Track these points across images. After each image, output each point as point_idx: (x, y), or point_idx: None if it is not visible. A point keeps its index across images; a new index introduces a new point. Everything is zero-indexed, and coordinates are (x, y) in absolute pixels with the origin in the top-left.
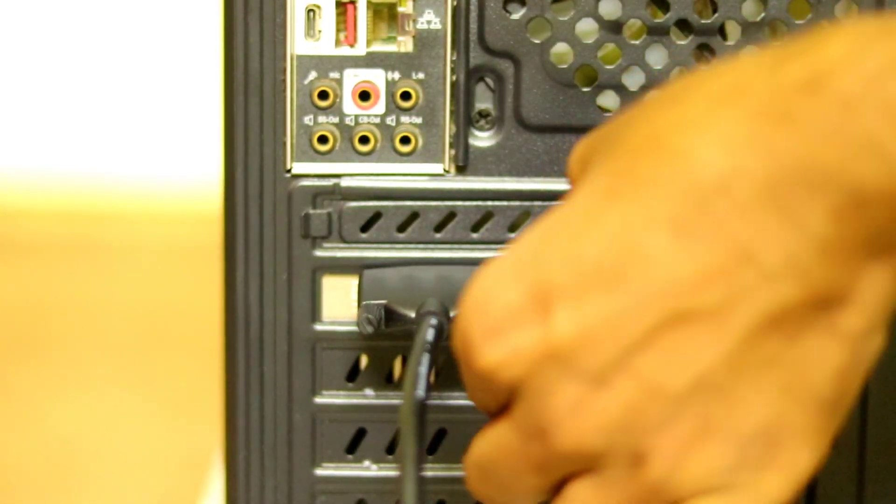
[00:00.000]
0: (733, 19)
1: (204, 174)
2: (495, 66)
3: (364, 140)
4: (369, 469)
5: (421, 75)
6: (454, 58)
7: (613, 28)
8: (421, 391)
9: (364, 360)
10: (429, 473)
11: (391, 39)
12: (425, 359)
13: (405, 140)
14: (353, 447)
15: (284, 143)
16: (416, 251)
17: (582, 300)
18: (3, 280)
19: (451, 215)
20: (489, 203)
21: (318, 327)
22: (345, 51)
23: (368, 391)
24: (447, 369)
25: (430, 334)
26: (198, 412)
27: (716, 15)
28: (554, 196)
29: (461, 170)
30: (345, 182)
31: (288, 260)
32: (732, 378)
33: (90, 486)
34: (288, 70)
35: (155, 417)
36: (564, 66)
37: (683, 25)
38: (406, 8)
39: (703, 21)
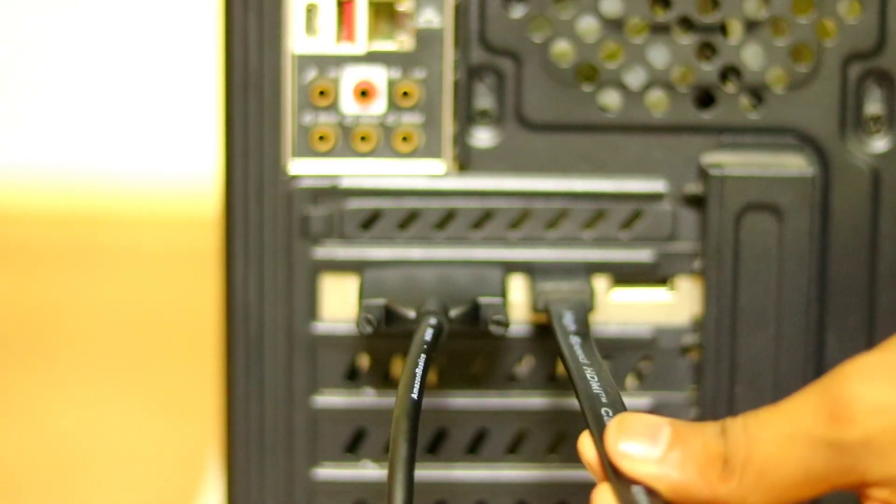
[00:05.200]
0: (735, 17)
1: (202, 175)
2: (496, 65)
3: (364, 139)
4: (369, 469)
5: (421, 74)
6: (455, 56)
7: (614, 26)
8: (415, 393)
9: (364, 360)
10: (429, 473)
11: (391, 38)
12: (422, 360)
13: (405, 139)
14: (353, 447)
15: (284, 143)
16: (416, 250)
17: None
18: (1, 282)
19: (451, 214)
20: (489, 202)
21: (318, 327)
22: (344, 49)
23: (368, 391)
24: (448, 369)
25: (428, 334)
26: (196, 413)
27: (718, 13)
28: (554, 195)
29: (462, 169)
30: (344, 181)
31: (288, 260)
32: None
33: (88, 486)
34: (287, 69)
35: (153, 418)
36: (565, 65)
37: (685, 23)
38: (406, 6)
39: (704, 19)
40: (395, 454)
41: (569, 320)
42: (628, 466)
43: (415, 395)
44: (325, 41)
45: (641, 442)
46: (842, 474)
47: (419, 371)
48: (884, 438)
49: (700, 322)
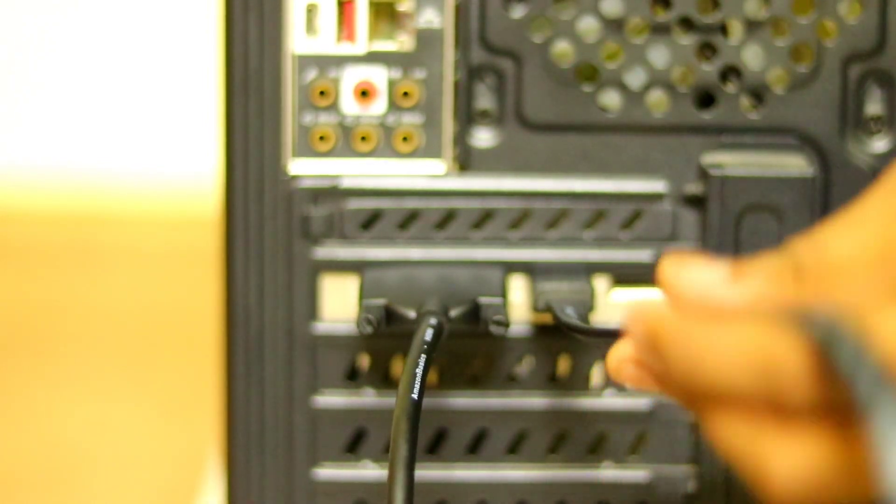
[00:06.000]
0: (736, 17)
1: (202, 175)
2: (496, 65)
3: (364, 139)
4: (369, 469)
5: (421, 74)
6: (455, 56)
7: (615, 26)
8: (415, 394)
9: (364, 360)
10: (429, 473)
11: (391, 38)
12: (422, 360)
13: (405, 139)
14: (353, 447)
15: (284, 143)
16: (416, 251)
17: None
18: (0, 282)
19: (451, 215)
20: (490, 202)
21: (318, 327)
22: (345, 49)
23: (368, 391)
24: (448, 369)
25: (428, 334)
26: (196, 413)
27: (718, 13)
28: (554, 195)
29: (462, 169)
30: (345, 181)
31: (288, 260)
32: None
33: (87, 486)
34: (287, 69)
35: (153, 418)
36: (565, 65)
37: (685, 23)
38: (406, 6)
39: (705, 19)
40: (395, 454)
41: (570, 311)
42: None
43: (415, 396)
44: (325, 41)
45: (701, 269)
46: None
47: (419, 371)
48: None
49: None
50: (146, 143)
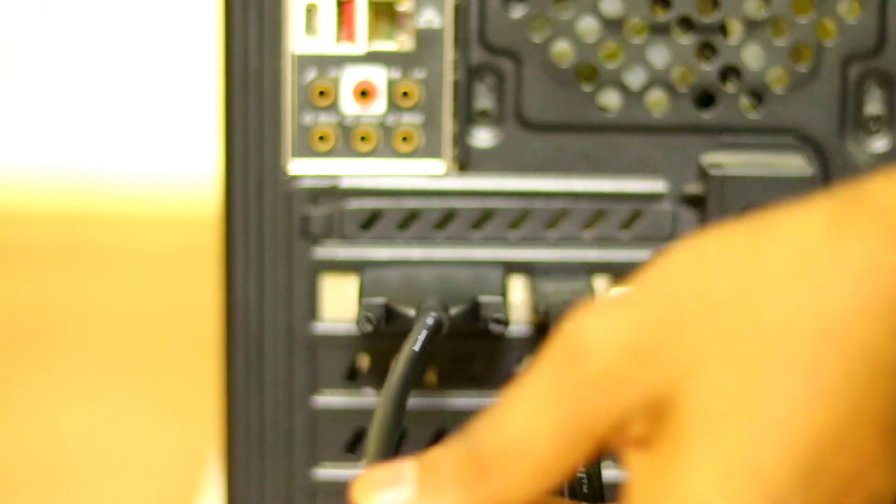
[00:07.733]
0: (735, 17)
1: (202, 176)
2: (496, 65)
3: (364, 139)
4: None
5: (421, 74)
6: (455, 56)
7: (614, 26)
8: (417, 347)
9: (364, 360)
10: None
11: (391, 38)
12: (420, 338)
13: (405, 139)
14: (353, 447)
15: (284, 143)
16: (416, 250)
17: None
18: (1, 283)
19: (451, 214)
20: (489, 202)
21: (318, 327)
22: (344, 49)
23: (368, 391)
24: (448, 369)
25: (430, 320)
26: (196, 413)
27: (718, 13)
28: (554, 195)
29: (461, 169)
30: (344, 181)
31: (288, 260)
32: None
33: (88, 486)
34: (287, 69)
35: (152, 418)
36: (565, 65)
37: (685, 23)
38: (406, 6)
39: (705, 19)
40: (389, 383)
41: None
42: None
43: (416, 348)
44: (325, 41)
45: (388, 489)
46: (598, 420)
47: (424, 329)
48: (621, 367)
49: None
50: (146, 143)
